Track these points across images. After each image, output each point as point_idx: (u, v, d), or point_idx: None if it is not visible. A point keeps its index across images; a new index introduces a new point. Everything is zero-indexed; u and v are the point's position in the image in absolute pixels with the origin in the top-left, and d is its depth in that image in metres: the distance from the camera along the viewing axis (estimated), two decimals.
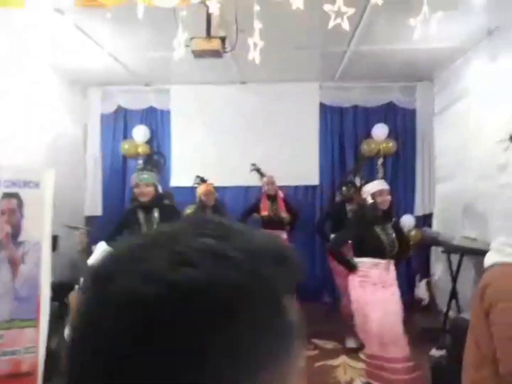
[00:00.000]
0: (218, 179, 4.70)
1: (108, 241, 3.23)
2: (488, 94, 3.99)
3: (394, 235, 2.91)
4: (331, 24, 2.34)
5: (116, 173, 5.59)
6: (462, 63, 4.52)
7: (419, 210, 5.20)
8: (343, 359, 3.43)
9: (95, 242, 4.16)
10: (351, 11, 2.36)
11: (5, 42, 3.87)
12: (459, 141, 4.54)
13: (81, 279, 3.99)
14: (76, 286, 3.96)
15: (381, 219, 2.90)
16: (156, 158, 3.25)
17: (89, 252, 3.96)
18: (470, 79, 4.36)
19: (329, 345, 3.78)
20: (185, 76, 5.27)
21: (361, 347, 3.59)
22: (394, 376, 2.54)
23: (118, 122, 5.63)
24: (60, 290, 3.65)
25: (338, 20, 2.34)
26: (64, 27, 3.65)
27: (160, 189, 3.36)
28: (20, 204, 2.90)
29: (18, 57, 4.15)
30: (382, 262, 2.83)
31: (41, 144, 4.56)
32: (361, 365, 3.26)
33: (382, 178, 3.78)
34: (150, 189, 3.09)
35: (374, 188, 2.93)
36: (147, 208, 3.08)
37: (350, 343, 3.73)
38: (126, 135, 5.59)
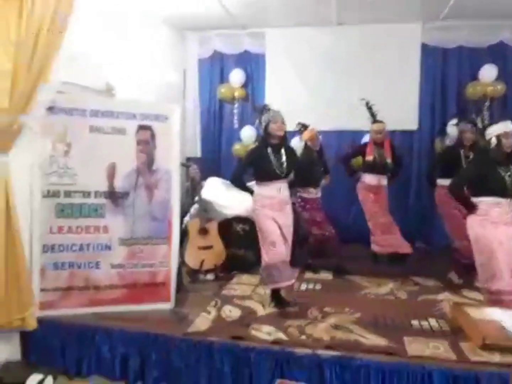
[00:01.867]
0: (311, 124, 4.73)
1: (238, 179, 3.37)
2: None
3: None
4: None
5: (213, 116, 5.83)
6: None
7: None
8: (445, 295, 3.51)
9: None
10: None
11: None
12: None
13: (191, 209, 4.38)
14: (187, 217, 4.36)
15: (505, 161, 2.89)
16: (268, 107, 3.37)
17: (201, 187, 4.31)
18: None
19: (429, 282, 3.85)
20: (281, 19, 5.26)
21: (464, 285, 3.67)
22: None
23: (215, 66, 5.78)
24: None
25: None
26: None
27: None
28: (153, 135, 3.22)
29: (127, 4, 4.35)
30: (503, 201, 2.86)
31: (149, 87, 4.86)
32: (465, 301, 3.34)
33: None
34: (285, 127, 3.23)
35: (500, 130, 2.89)
36: (276, 147, 3.22)
37: (454, 277, 3.86)
38: (222, 79, 5.76)
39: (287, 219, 3.26)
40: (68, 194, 3.04)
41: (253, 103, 4.81)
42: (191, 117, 5.79)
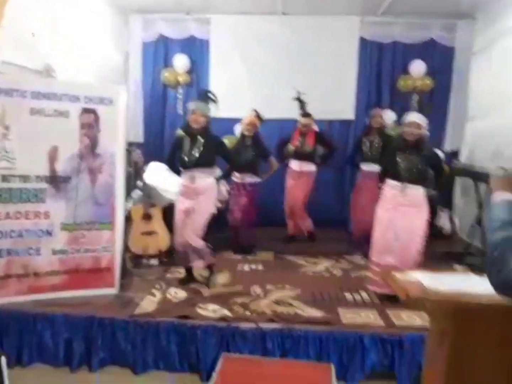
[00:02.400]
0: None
1: (169, 163, 3.63)
2: None
3: (416, 163, 3.11)
4: None
5: (156, 101, 5.77)
6: (507, 1, 4.51)
7: (448, 146, 5.43)
8: None
9: None
10: None
11: None
12: (497, 80, 4.64)
13: (133, 194, 4.37)
14: (129, 202, 4.34)
15: (407, 148, 3.13)
16: (214, 97, 3.44)
17: (144, 172, 4.29)
18: None
19: (361, 261, 4.16)
20: (227, 5, 5.30)
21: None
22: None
23: (159, 50, 5.72)
24: None
25: None
26: None
27: (209, 123, 3.46)
28: (97, 119, 3.18)
29: None
30: (398, 184, 3.12)
31: (90, 69, 4.73)
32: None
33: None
34: (203, 119, 3.31)
35: (406, 119, 3.17)
36: (194, 136, 3.34)
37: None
38: (167, 63, 5.70)
39: (198, 207, 3.31)
40: (6, 178, 2.93)
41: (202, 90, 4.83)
42: (133, 101, 5.67)
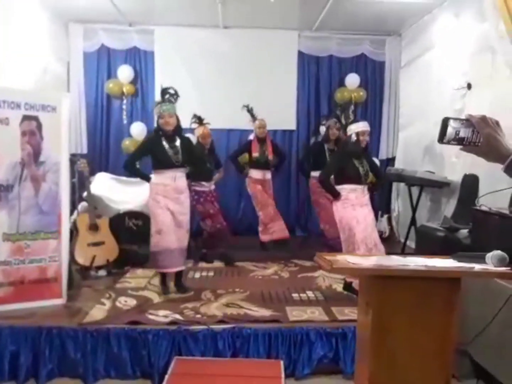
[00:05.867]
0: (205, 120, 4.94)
1: (130, 164, 3.53)
2: (450, 48, 4.52)
3: (367, 166, 3.45)
4: None
5: (100, 111, 5.71)
6: (429, 20, 4.99)
7: (383, 154, 5.83)
8: (320, 272, 4.01)
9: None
10: None
11: None
12: (422, 91, 5.11)
13: (80, 205, 4.29)
14: (76, 211, 4.26)
15: (360, 154, 3.43)
16: (173, 92, 3.45)
17: (89, 182, 4.21)
18: (435, 34, 4.86)
19: (307, 263, 4.34)
20: (169, 18, 5.40)
21: None
22: None
23: (102, 61, 5.69)
24: None
25: None
26: None
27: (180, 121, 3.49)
28: (39, 126, 3.12)
29: None
30: (359, 187, 3.40)
31: (30, 78, 4.61)
32: (337, 276, 3.87)
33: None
34: (173, 119, 3.36)
35: (359, 128, 3.40)
36: (170, 137, 3.37)
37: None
38: (110, 74, 5.67)
39: (181, 207, 3.40)
40: None
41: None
42: (75, 112, 5.57)
